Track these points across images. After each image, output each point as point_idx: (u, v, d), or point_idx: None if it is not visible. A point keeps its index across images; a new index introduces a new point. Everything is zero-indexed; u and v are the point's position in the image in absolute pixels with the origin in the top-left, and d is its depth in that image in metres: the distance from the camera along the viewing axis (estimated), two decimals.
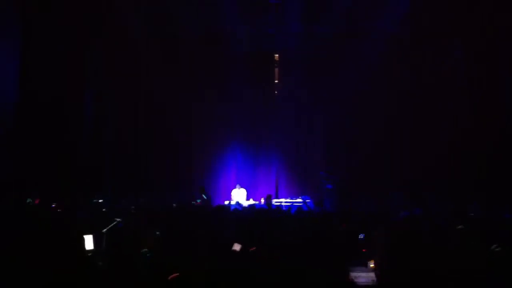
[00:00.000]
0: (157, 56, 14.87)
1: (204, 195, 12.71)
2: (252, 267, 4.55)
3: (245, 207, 12.37)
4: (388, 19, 14.25)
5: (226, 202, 13.99)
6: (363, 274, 5.07)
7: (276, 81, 16.36)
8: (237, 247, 5.51)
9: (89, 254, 5.75)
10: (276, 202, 13.89)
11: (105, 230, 6.13)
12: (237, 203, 13.57)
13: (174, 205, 10.88)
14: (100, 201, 11.19)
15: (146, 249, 5.23)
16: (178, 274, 4.05)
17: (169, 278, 4.02)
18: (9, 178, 10.97)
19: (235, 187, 14.87)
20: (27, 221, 6.25)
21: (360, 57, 14.77)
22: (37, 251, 4.39)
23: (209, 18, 14.70)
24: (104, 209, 9.40)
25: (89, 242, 6.07)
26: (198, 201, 12.77)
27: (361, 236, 6.11)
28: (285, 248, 5.22)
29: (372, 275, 5.04)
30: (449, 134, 14.07)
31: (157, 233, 6.12)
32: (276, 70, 16.26)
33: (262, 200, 14.16)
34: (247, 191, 14.78)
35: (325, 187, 14.47)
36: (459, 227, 6.66)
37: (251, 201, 14.11)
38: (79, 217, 7.54)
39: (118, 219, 6.40)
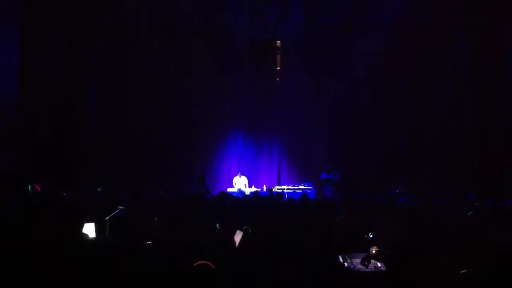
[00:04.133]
0: (158, 45, 14.86)
1: (203, 186, 12.71)
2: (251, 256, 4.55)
3: (246, 195, 12.40)
4: (390, 8, 14.21)
5: (229, 190, 13.99)
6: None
7: (278, 68, 16.32)
8: (238, 236, 5.50)
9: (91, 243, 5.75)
10: (278, 189, 13.91)
11: (107, 218, 6.16)
12: (239, 190, 13.60)
13: (162, 192, 10.90)
14: (100, 189, 11.20)
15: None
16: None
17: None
18: (13, 171, 11.03)
19: (236, 175, 14.92)
20: (31, 213, 6.28)
21: (363, 46, 14.72)
22: (41, 243, 4.39)
23: (211, 6, 14.66)
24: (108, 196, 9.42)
25: (91, 230, 6.09)
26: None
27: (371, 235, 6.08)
28: (284, 234, 5.22)
29: (373, 261, 5.02)
30: (451, 127, 14.17)
31: (157, 221, 6.15)
32: (278, 56, 16.20)
33: (264, 187, 14.20)
34: (248, 178, 14.84)
35: (327, 177, 14.44)
36: (470, 213, 6.68)
37: (253, 189, 14.16)
38: (82, 205, 7.57)
39: (120, 207, 6.42)
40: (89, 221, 6.02)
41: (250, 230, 5.61)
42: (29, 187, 8.46)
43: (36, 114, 12.47)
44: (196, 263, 3.87)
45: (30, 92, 12.37)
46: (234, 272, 4.19)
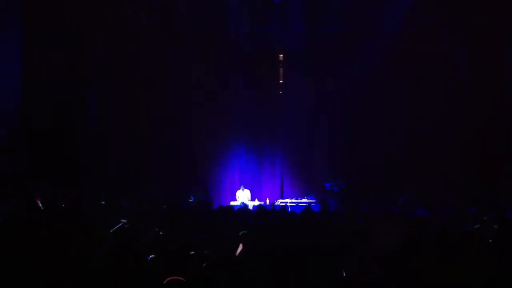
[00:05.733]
0: (160, 58, 14.78)
1: (206, 195, 12.67)
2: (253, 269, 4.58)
3: (249, 207, 12.37)
4: (390, 17, 14.20)
5: (231, 203, 13.93)
6: None
7: (280, 81, 16.28)
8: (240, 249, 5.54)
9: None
10: (281, 202, 13.89)
11: (111, 231, 6.16)
12: (242, 203, 13.54)
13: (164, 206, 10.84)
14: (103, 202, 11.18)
15: None
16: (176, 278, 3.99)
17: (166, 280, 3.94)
18: (13, 172, 11.02)
19: (239, 188, 14.86)
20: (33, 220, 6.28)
21: (363, 57, 14.70)
22: (42, 252, 4.42)
23: (213, 19, 14.62)
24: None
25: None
26: (192, 198, 12.76)
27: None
28: (288, 247, 5.24)
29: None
30: (451, 127, 14.16)
31: (160, 233, 6.18)
32: (281, 70, 16.18)
33: (267, 201, 14.16)
34: (251, 191, 14.78)
35: (330, 189, 14.39)
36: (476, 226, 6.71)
37: (256, 202, 14.11)
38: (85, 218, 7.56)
39: (123, 220, 6.44)
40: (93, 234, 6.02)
41: (246, 233, 5.62)
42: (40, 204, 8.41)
43: (37, 114, 12.43)
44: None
45: (32, 92, 12.33)
46: (234, 273, 4.23)
